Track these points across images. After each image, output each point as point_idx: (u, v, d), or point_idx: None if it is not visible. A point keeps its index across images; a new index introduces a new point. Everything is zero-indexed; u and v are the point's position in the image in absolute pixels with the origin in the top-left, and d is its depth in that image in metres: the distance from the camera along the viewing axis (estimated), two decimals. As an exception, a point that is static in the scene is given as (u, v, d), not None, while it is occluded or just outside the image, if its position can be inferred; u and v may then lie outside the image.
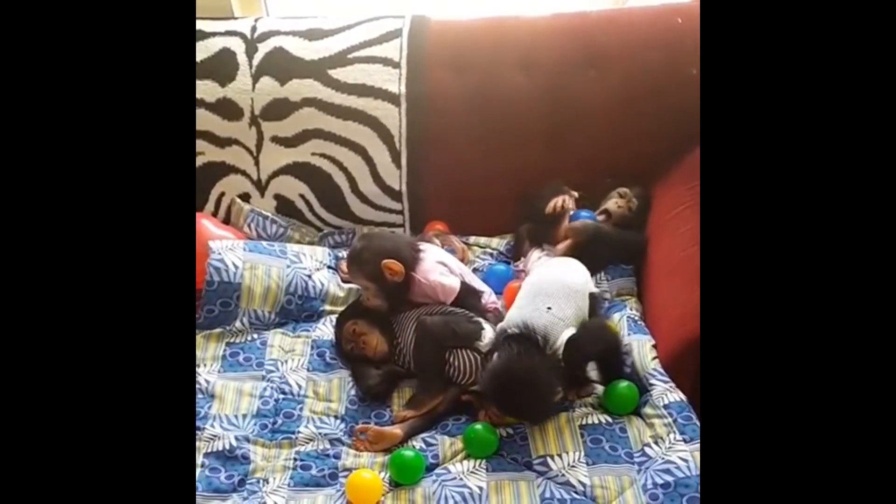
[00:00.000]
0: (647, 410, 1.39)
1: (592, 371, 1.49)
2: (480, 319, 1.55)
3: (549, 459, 1.34)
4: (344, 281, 1.78)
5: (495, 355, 1.39)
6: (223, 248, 1.70)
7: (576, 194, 1.84)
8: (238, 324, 1.66)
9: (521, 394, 1.35)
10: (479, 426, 1.39)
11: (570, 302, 1.47)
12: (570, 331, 1.43)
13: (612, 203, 1.80)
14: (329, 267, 1.80)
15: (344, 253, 1.86)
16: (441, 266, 1.62)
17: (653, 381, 1.43)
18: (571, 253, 1.68)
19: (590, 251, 1.70)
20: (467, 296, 1.62)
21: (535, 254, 1.77)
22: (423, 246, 1.66)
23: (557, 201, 1.80)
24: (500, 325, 1.47)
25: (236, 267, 1.67)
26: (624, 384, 1.44)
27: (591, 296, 1.53)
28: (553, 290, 1.48)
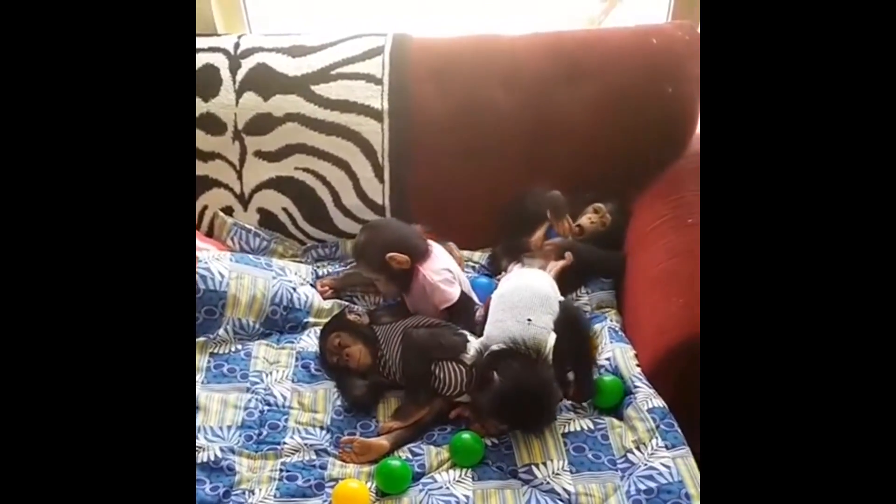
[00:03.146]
0: (630, 413, 1.41)
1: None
2: (465, 332, 1.57)
3: (533, 468, 1.35)
4: (325, 297, 1.79)
5: (495, 374, 1.40)
6: (209, 257, 1.71)
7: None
8: (222, 332, 1.65)
9: (533, 410, 1.37)
10: (466, 435, 1.40)
11: (546, 309, 1.49)
12: (553, 337, 1.45)
13: (586, 219, 1.83)
14: (311, 284, 1.81)
15: (328, 269, 1.88)
16: (447, 272, 1.64)
17: (637, 383, 1.45)
18: (561, 273, 1.70)
19: (574, 268, 1.73)
20: (463, 306, 1.64)
21: (515, 269, 1.79)
22: (432, 244, 1.68)
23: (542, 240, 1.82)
24: (482, 342, 1.48)
25: (222, 276, 1.67)
26: (609, 378, 1.47)
27: (560, 303, 1.56)
28: (527, 301, 1.50)
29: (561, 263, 1.72)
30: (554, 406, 1.41)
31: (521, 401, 1.36)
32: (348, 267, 1.87)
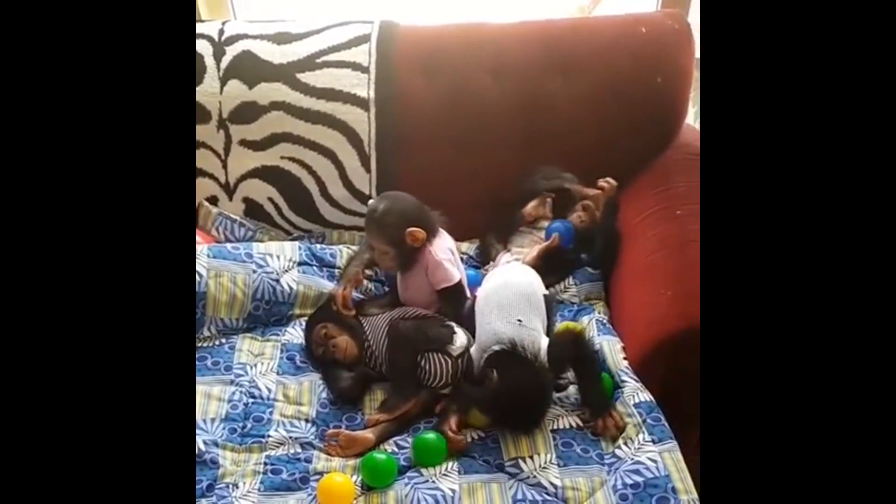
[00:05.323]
0: (618, 407, 1.41)
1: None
2: (452, 324, 1.56)
3: (520, 461, 1.34)
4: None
5: (494, 372, 1.39)
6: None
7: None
8: (206, 331, 1.64)
9: (528, 412, 1.37)
10: (430, 435, 1.39)
11: (534, 309, 1.48)
12: (544, 339, 1.45)
13: (576, 217, 1.82)
14: (300, 263, 1.76)
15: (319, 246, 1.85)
16: (450, 253, 1.64)
17: (624, 377, 1.45)
18: (541, 258, 1.70)
19: (559, 254, 1.73)
20: (458, 291, 1.63)
21: (504, 257, 1.78)
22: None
23: (535, 209, 1.83)
24: (479, 343, 1.47)
25: (200, 276, 1.64)
26: None
27: (545, 297, 1.55)
28: (514, 301, 1.49)
29: (545, 245, 1.71)
30: (546, 410, 1.40)
31: (517, 402, 1.36)
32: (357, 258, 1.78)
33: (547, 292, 1.59)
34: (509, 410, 1.37)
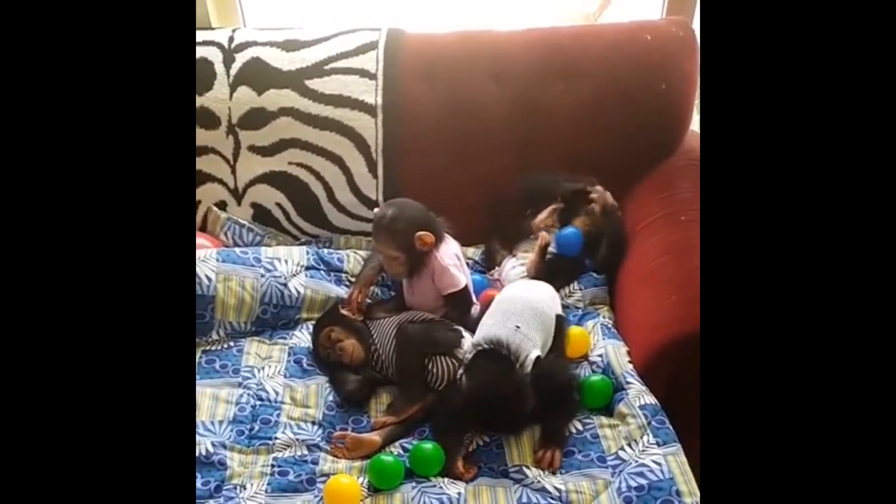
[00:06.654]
0: (622, 409, 1.42)
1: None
2: (460, 328, 1.57)
3: (524, 468, 1.35)
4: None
5: (464, 375, 1.40)
6: (196, 260, 1.68)
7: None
8: (214, 335, 1.66)
9: (499, 411, 1.38)
10: (428, 445, 1.39)
11: (537, 322, 1.48)
12: (536, 351, 1.44)
13: (580, 222, 1.82)
14: (308, 268, 1.78)
15: (326, 250, 1.87)
16: (456, 259, 1.66)
17: (629, 380, 1.46)
18: (542, 258, 1.71)
19: (561, 259, 1.74)
20: (465, 296, 1.64)
21: (509, 262, 1.79)
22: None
23: (543, 222, 1.83)
24: (471, 341, 1.49)
25: (209, 280, 1.66)
26: (597, 377, 1.47)
27: (558, 317, 1.54)
28: (520, 310, 1.49)
29: (537, 246, 1.72)
30: (521, 409, 1.38)
31: (486, 397, 1.37)
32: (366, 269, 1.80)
33: (562, 314, 1.56)
34: (481, 405, 1.37)
